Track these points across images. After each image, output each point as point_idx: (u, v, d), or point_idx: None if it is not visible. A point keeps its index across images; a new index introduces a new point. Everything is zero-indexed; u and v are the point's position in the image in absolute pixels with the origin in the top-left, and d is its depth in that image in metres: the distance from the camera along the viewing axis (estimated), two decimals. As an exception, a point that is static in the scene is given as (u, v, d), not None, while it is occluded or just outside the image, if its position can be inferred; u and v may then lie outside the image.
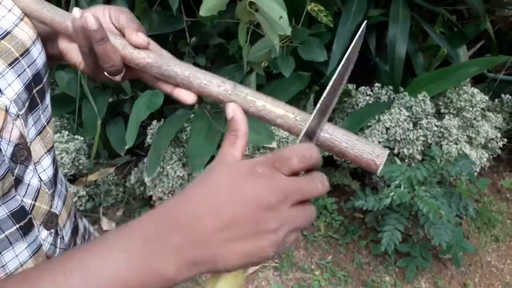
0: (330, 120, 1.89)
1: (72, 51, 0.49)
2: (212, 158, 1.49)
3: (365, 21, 0.41)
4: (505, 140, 1.81)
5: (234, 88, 0.44)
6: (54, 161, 0.51)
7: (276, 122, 0.43)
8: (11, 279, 0.36)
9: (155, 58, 0.46)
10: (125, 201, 1.94)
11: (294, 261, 1.78)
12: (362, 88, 1.80)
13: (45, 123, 0.49)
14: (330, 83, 0.40)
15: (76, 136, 1.75)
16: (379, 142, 1.68)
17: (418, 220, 1.62)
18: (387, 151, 0.42)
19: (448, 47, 1.84)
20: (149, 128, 1.70)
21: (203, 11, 1.00)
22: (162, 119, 1.71)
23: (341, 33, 1.59)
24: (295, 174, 0.36)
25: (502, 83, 2.06)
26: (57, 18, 0.48)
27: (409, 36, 1.73)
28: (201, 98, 1.56)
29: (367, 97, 1.78)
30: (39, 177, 0.46)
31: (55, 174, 0.50)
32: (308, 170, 0.37)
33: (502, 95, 1.92)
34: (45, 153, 0.48)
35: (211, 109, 1.63)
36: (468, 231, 1.84)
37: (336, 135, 0.42)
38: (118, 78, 0.48)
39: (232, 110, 0.41)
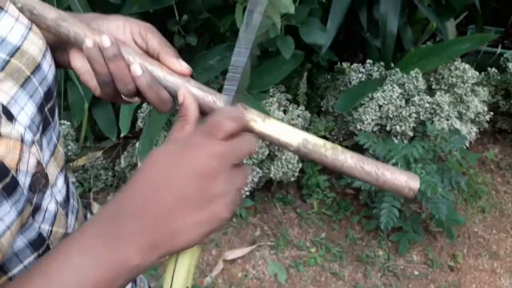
0: (322, 98, 1.89)
1: (88, 73, 0.45)
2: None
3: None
4: (491, 113, 1.84)
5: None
6: (66, 177, 0.48)
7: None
8: None
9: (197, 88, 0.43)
10: (115, 185, 1.89)
11: (289, 239, 1.79)
12: (354, 65, 1.79)
13: (56, 141, 0.46)
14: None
15: (62, 121, 1.68)
16: (372, 120, 1.69)
17: (411, 195, 1.65)
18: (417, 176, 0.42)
19: (437, 20, 1.84)
20: (139, 111, 1.65)
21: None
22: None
23: (336, 9, 1.56)
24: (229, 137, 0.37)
25: (485, 55, 2.09)
26: (76, 31, 0.42)
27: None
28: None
29: (360, 74, 1.77)
30: (56, 200, 0.43)
31: (67, 190, 0.47)
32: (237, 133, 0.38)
33: (489, 68, 1.95)
34: (59, 172, 0.45)
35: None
36: (455, 203, 1.89)
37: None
38: (137, 99, 0.45)
39: (183, 95, 0.41)
